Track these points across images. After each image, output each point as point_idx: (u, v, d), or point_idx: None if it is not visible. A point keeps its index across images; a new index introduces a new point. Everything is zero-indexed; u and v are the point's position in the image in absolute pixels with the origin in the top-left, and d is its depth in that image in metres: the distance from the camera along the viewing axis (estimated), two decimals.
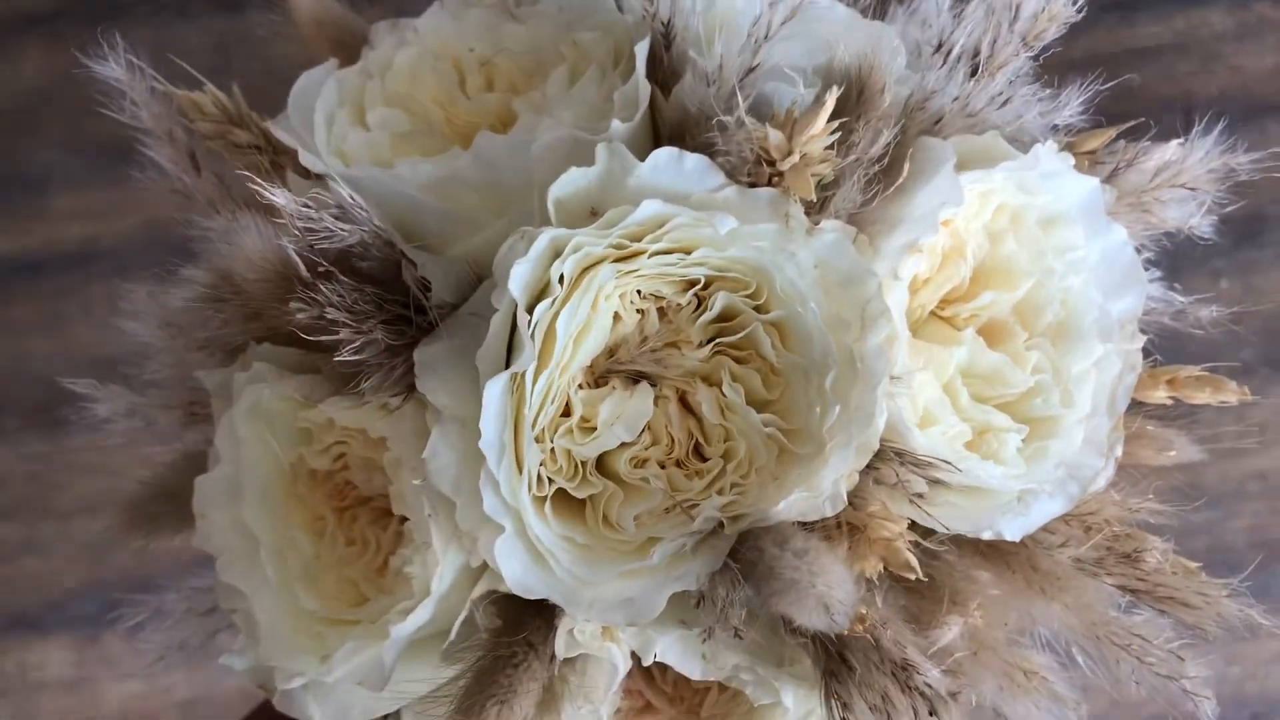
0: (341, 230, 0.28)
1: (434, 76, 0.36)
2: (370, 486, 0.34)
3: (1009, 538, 0.33)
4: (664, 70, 0.33)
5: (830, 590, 0.27)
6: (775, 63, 0.32)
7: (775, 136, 0.29)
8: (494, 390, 0.28)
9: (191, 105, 0.35)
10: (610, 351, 0.31)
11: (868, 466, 0.30)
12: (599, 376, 0.31)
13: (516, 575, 0.29)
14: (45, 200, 1.36)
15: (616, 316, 0.30)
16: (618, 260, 0.29)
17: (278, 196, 0.27)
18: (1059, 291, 0.35)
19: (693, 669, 0.32)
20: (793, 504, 0.29)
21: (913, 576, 0.30)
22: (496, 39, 0.36)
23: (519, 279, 0.28)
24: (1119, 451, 0.36)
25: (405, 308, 0.30)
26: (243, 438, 0.33)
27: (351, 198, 0.28)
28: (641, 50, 0.32)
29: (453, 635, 0.31)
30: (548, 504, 0.29)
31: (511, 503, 0.28)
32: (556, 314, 0.29)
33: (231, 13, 1.09)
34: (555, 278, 0.29)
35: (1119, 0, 1.41)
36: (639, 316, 0.31)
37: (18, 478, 1.27)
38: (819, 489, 0.29)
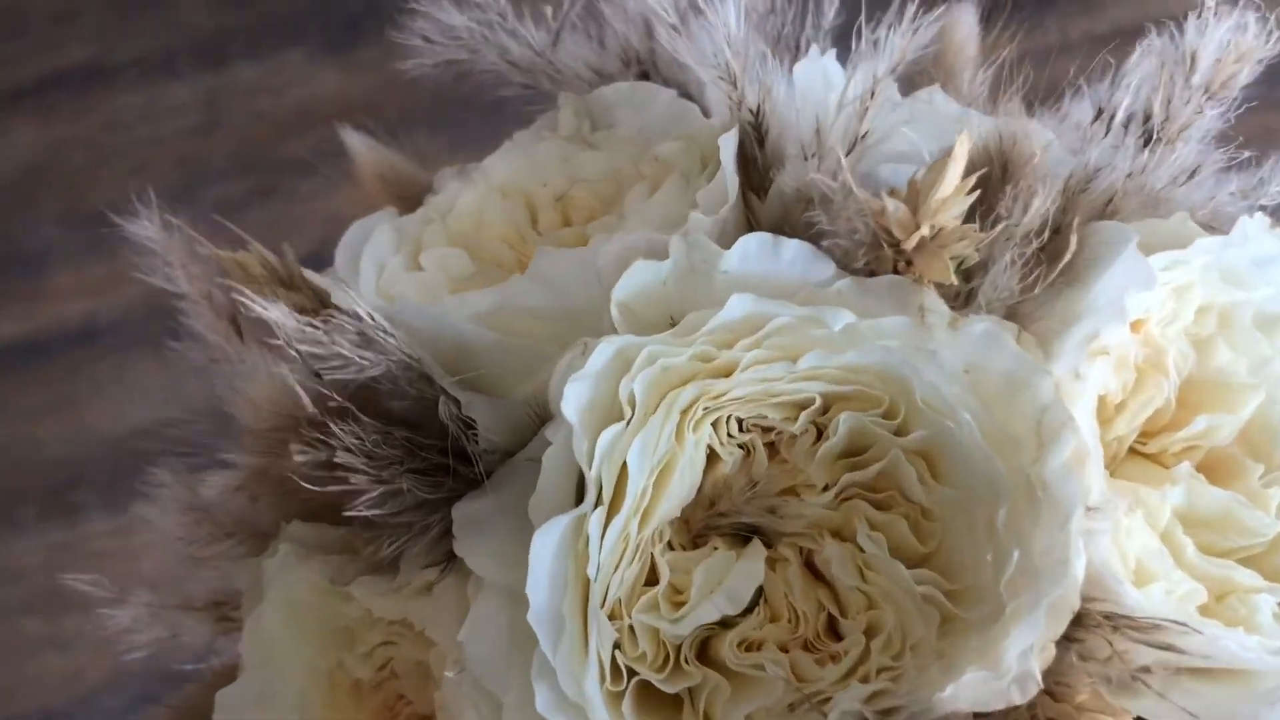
0: (362, 359, 0.23)
1: (502, 215, 0.31)
2: (426, 702, 0.27)
3: None
4: (758, 169, 0.28)
5: None
6: (894, 146, 0.27)
7: (895, 206, 0.23)
8: (546, 541, 0.21)
9: (236, 267, 0.31)
10: (709, 502, 0.24)
11: (1066, 636, 0.22)
12: (696, 534, 0.24)
13: None
14: (44, 279, 1.40)
15: (712, 454, 0.24)
16: (706, 377, 0.23)
17: (272, 311, 0.22)
18: None
19: None
20: (965, 688, 0.21)
21: None
22: (572, 170, 0.32)
23: (574, 400, 0.22)
24: None
25: (444, 455, 0.24)
26: (274, 639, 0.27)
27: (372, 317, 0.23)
28: (727, 140, 0.26)
29: None
30: (627, 701, 0.22)
31: (575, 699, 0.21)
32: (629, 444, 0.22)
33: (219, 67, 1.12)
34: (625, 398, 0.22)
35: None
36: (742, 453, 0.24)
37: (37, 569, 1.27)
38: (1001, 667, 0.21)
